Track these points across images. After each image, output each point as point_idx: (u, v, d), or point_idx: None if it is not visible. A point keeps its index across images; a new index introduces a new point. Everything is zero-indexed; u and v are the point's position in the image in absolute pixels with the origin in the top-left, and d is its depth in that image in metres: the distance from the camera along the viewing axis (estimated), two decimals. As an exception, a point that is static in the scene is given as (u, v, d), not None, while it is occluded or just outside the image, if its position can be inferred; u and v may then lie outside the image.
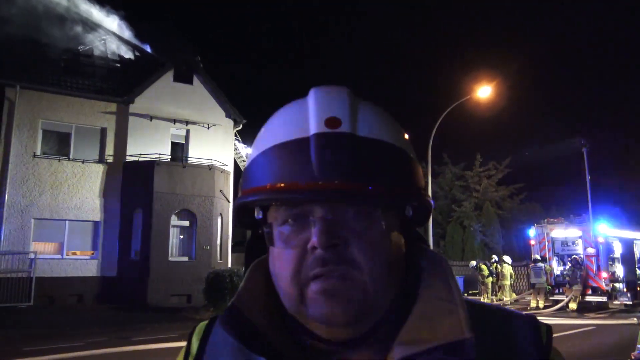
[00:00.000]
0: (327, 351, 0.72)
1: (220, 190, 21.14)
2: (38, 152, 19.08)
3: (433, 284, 0.73)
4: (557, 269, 19.81)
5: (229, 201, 22.04)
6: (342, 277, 0.67)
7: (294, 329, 0.75)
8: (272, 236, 0.73)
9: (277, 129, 0.74)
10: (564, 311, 17.79)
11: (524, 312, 0.77)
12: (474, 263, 22.27)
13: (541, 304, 18.50)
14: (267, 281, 0.77)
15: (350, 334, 0.70)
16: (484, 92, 19.26)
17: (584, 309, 18.13)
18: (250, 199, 0.72)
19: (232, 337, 0.73)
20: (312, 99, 0.73)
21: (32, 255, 18.12)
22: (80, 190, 19.54)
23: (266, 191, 0.70)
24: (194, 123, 22.12)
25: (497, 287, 20.82)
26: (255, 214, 0.77)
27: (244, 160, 26.93)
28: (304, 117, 0.72)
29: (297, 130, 0.71)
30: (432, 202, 0.78)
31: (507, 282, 20.43)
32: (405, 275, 0.75)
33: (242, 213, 0.80)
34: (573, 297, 18.27)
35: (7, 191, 18.13)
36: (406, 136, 0.77)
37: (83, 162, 19.79)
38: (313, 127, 0.70)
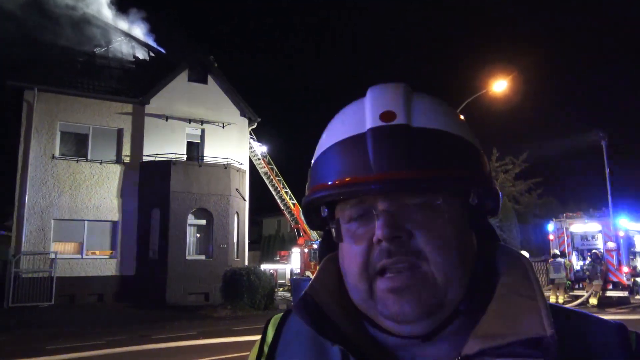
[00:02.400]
0: (399, 345, 0.73)
1: (236, 189, 21.24)
2: (56, 154, 19.34)
3: (512, 280, 0.72)
4: (576, 264, 19.53)
5: (245, 200, 22.13)
6: (409, 271, 0.68)
7: (365, 322, 0.76)
8: (340, 233, 0.75)
9: (337, 128, 0.77)
10: (584, 306, 17.55)
11: (613, 320, 0.74)
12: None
13: (561, 300, 18.26)
14: (339, 275, 0.79)
15: (422, 330, 0.70)
16: (499, 86, 19.00)
17: (605, 304, 17.87)
18: (311, 197, 0.76)
19: (306, 323, 0.75)
20: (368, 96, 0.76)
21: (52, 256, 18.39)
22: (99, 191, 19.78)
23: (325, 188, 0.73)
24: (209, 122, 22.25)
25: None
26: (321, 212, 0.81)
27: (258, 159, 27.02)
28: (361, 114, 0.74)
29: (355, 127, 0.73)
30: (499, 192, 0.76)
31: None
32: (477, 268, 0.74)
33: (309, 213, 0.83)
34: (593, 292, 18.02)
35: (27, 193, 18.42)
36: (465, 125, 0.77)
37: (101, 163, 20.02)
38: (369, 122, 0.72)
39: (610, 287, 18.34)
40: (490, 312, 0.69)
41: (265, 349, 0.83)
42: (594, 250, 18.87)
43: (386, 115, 0.71)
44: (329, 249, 0.85)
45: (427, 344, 0.71)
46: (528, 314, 0.67)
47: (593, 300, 17.85)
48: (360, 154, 0.70)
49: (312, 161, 0.80)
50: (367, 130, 0.71)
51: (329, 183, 0.73)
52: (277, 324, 0.86)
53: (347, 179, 0.70)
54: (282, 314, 0.87)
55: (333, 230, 0.77)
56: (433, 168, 0.68)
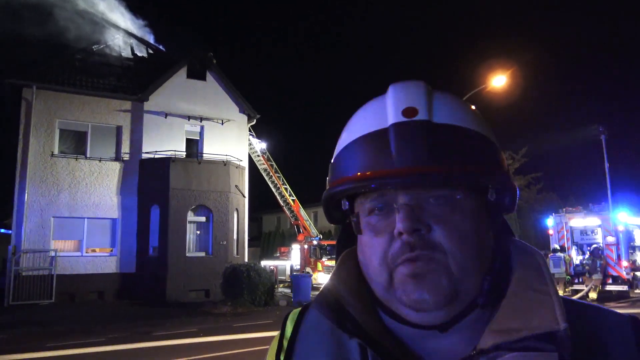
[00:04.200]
0: (416, 336, 0.75)
1: (236, 186, 21.24)
2: (56, 152, 19.32)
3: (526, 275, 0.74)
4: (576, 258, 19.56)
5: (244, 196, 22.13)
6: (429, 261, 0.70)
7: (383, 314, 0.78)
8: (360, 225, 0.78)
9: (359, 124, 0.79)
10: (583, 301, 17.60)
11: (626, 314, 0.76)
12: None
13: (560, 294, 18.31)
14: (358, 269, 0.81)
15: (439, 319, 0.72)
16: (499, 81, 18.97)
17: (605, 298, 17.90)
18: (334, 190, 0.77)
19: (326, 317, 0.78)
20: (390, 93, 0.78)
21: (52, 253, 18.41)
22: (98, 188, 19.77)
23: (348, 181, 0.75)
24: (208, 119, 22.23)
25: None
26: (342, 206, 0.83)
27: (258, 155, 26.99)
28: (383, 110, 0.76)
29: (377, 123, 0.75)
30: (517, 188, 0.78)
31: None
32: (493, 262, 0.76)
33: (329, 207, 0.84)
34: (593, 287, 18.04)
35: (26, 191, 18.41)
36: (483, 121, 0.79)
37: (100, 161, 20.01)
38: (391, 117, 0.74)
39: (610, 281, 18.37)
40: (505, 306, 0.71)
41: (285, 343, 0.85)
42: (594, 245, 18.90)
43: (408, 111, 0.73)
44: (346, 244, 0.88)
45: (443, 336, 0.73)
46: (541, 309, 0.69)
47: (593, 295, 17.88)
48: (382, 148, 0.72)
49: (333, 157, 0.82)
50: (389, 126, 0.73)
51: (353, 176, 0.74)
52: (295, 318, 0.88)
53: (370, 172, 0.72)
54: (300, 308, 0.89)
55: (353, 223, 0.79)
56: (454, 163, 0.70)
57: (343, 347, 0.77)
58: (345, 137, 0.80)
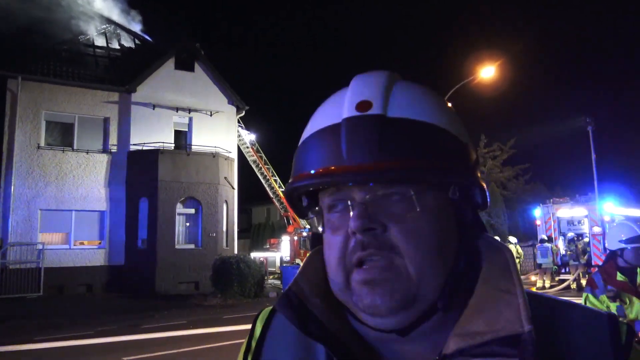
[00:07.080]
0: (380, 339, 0.72)
1: (225, 177, 21.17)
2: (42, 144, 19.11)
3: (492, 274, 0.71)
4: (563, 248, 19.81)
5: (233, 188, 22.07)
6: (383, 266, 0.67)
7: (348, 316, 0.75)
8: (322, 222, 0.75)
9: (318, 118, 0.76)
10: (568, 290, 17.85)
11: (603, 311, 0.71)
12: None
13: (547, 284, 18.55)
14: (324, 268, 0.78)
15: (395, 324, 0.68)
16: (487, 72, 19.03)
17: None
18: (290, 187, 0.75)
19: (289, 320, 0.74)
20: (350, 85, 0.75)
21: (40, 246, 18.26)
22: (86, 181, 19.61)
23: (302, 178, 0.72)
24: (196, 110, 22.09)
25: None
26: (302, 202, 0.80)
27: (247, 147, 26.91)
28: (341, 103, 0.73)
29: (333, 117, 0.72)
30: (485, 185, 0.74)
31: (515, 262, 20.63)
32: (457, 262, 0.72)
33: (294, 201, 0.82)
34: (580, 274, 18.37)
35: (12, 183, 18.22)
36: (450, 115, 0.74)
37: (87, 153, 19.83)
38: (345, 112, 0.71)
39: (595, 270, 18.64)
40: (469, 308, 0.68)
41: (253, 344, 0.83)
42: (569, 234, 19.34)
43: (362, 105, 0.70)
44: (319, 240, 0.82)
45: (407, 340, 0.70)
46: (506, 310, 0.65)
47: (584, 281, 18.20)
48: (334, 144, 0.69)
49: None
50: (342, 120, 0.70)
51: (306, 173, 0.72)
52: (265, 318, 0.85)
53: (322, 169, 0.69)
54: (271, 307, 0.86)
55: (311, 220, 0.77)
56: (404, 158, 0.66)
57: (311, 349, 0.76)
58: (306, 131, 0.77)
